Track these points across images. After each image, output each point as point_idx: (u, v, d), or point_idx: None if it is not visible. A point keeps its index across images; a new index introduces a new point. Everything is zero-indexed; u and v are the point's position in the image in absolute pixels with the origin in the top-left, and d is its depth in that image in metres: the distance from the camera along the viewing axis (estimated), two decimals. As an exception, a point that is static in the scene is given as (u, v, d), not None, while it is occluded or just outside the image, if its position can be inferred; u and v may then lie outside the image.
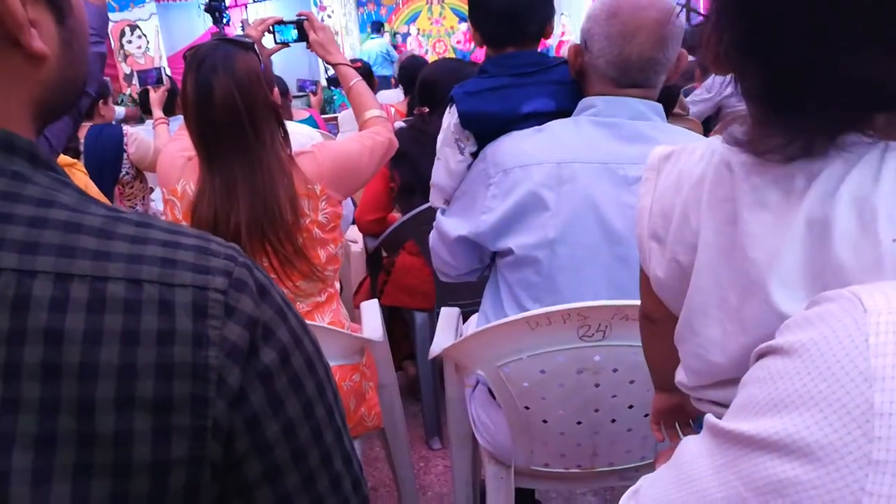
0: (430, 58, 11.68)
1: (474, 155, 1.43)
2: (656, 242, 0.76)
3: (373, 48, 10.11)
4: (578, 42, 1.33)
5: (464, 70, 2.52)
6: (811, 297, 0.56)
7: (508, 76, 1.40)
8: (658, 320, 0.87)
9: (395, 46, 10.63)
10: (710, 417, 0.54)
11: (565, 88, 1.38)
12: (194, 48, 1.44)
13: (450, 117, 1.42)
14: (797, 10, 0.55)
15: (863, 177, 0.57)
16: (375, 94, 3.60)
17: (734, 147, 0.63)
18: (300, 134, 2.19)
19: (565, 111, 1.36)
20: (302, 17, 1.78)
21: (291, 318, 0.53)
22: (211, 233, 1.46)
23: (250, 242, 1.40)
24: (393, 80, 7.15)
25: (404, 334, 2.64)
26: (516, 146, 1.33)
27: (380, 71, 9.50)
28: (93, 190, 1.98)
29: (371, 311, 1.69)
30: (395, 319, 2.56)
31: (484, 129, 1.39)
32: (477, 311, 1.65)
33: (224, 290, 0.49)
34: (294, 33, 1.80)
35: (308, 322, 1.41)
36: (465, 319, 1.79)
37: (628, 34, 1.23)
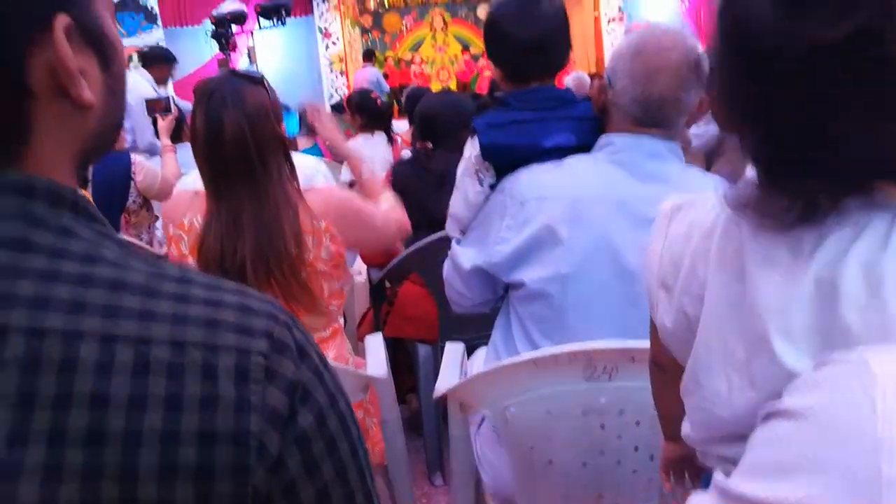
0: (434, 85, 11.81)
1: (493, 187, 1.44)
2: (665, 291, 0.77)
3: (363, 76, 10.26)
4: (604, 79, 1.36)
5: (462, 103, 2.55)
6: (818, 355, 0.56)
7: (531, 110, 1.42)
8: (668, 368, 0.87)
9: (399, 73, 10.78)
10: (717, 476, 0.54)
11: (588, 124, 1.40)
12: (204, 81, 1.46)
13: (471, 148, 1.44)
14: (794, 83, 0.56)
15: (871, 243, 0.58)
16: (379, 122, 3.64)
17: (737, 211, 0.64)
18: (305, 166, 2.19)
19: (586, 146, 1.38)
20: (303, 108, 1.80)
21: (327, 376, 0.53)
22: (217, 265, 1.44)
23: (255, 276, 1.39)
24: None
25: (408, 367, 2.63)
26: (534, 179, 1.35)
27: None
28: None
29: (375, 347, 1.69)
30: (398, 351, 2.56)
31: (505, 162, 1.41)
32: (482, 344, 1.66)
33: (266, 353, 0.48)
34: (296, 124, 1.78)
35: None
36: (469, 353, 1.79)
37: (652, 73, 1.25)
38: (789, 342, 0.60)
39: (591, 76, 5.37)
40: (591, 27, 11.71)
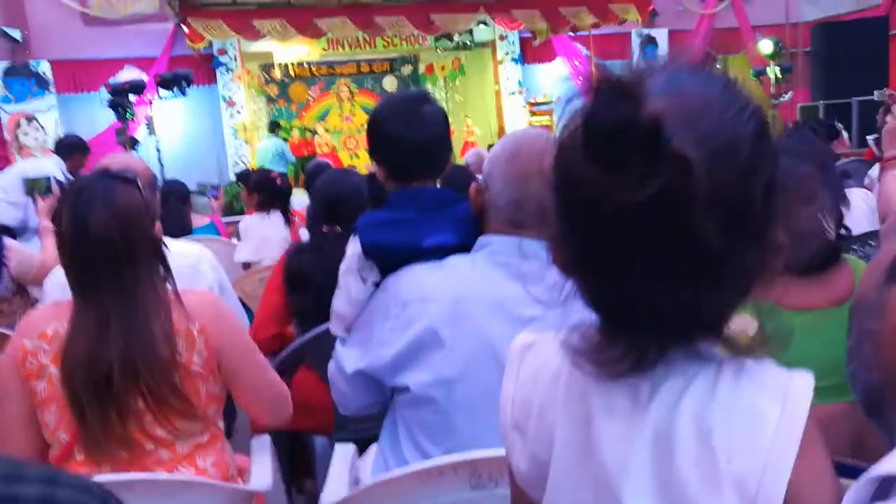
0: (341, 154, 11.87)
1: (377, 284, 1.43)
2: (518, 434, 0.76)
3: (267, 147, 10.28)
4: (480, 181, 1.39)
5: (360, 185, 2.52)
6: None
7: (412, 209, 1.43)
8: None
9: (300, 141, 10.82)
10: None
11: (467, 224, 1.42)
12: (74, 180, 1.41)
13: (353, 247, 1.43)
14: (611, 237, 0.58)
15: (700, 392, 0.61)
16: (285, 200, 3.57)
17: (576, 364, 0.66)
18: (188, 255, 2.11)
19: (467, 245, 1.39)
20: None
21: None
22: (83, 371, 1.37)
23: (124, 381, 1.33)
24: (292, 179, 7.27)
25: (307, 452, 2.53)
26: (416, 280, 1.34)
27: (273, 167, 9.69)
28: None
29: (260, 451, 1.61)
30: (295, 440, 2.47)
31: (387, 261, 1.40)
32: (377, 435, 1.61)
33: None
34: None
35: (185, 477, 1.33)
36: (366, 445, 1.74)
37: (527, 177, 1.29)
38: (633, 492, 0.61)
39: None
40: (493, 100, 12.17)
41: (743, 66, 12.58)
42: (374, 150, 1.53)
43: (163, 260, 1.42)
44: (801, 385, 0.62)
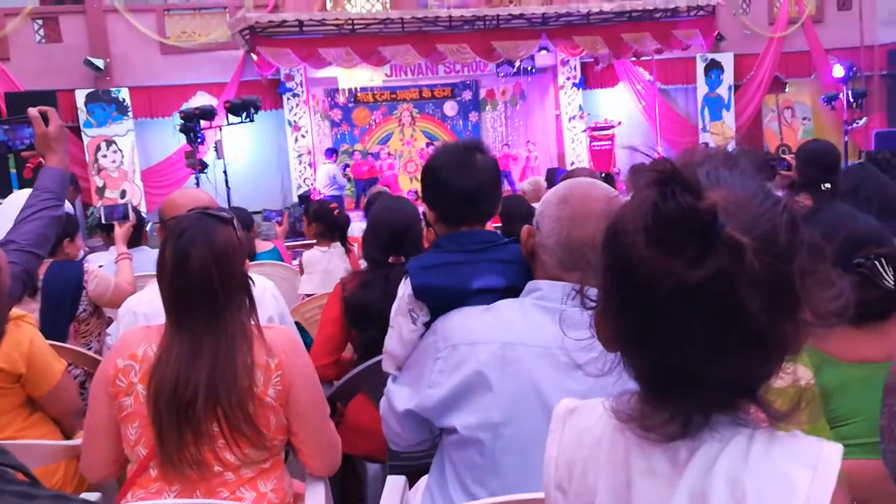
0: (401, 177, 12.06)
1: (427, 325, 1.47)
2: (561, 494, 0.80)
3: (322, 173, 10.54)
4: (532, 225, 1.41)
5: (416, 215, 2.54)
6: None
7: (461, 252, 1.47)
8: None
9: (358, 163, 11.08)
10: None
11: (515, 266, 1.45)
12: (176, 219, 1.51)
13: (404, 288, 1.47)
14: (665, 315, 0.64)
15: (735, 456, 0.64)
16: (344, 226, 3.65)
17: (623, 423, 0.69)
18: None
19: (515, 288, 1.42)
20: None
21: None
22: (170, 393, 1.46)
23: (205, 406, 1.42)
24: (351, 202, 7.43)
25: (360, 479, 2.57)
26: (465, 323, 1.37)
27: (327, 192, 9.96)
28: (37, 344, 1.94)
29: (316, 479, 1.66)
30: (349, 466, 2.51)
31: (437, 302, 1.44)
32: (429, 465, 1.64)
33: None
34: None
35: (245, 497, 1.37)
36: (416, 478, 1.77)
37: (577, 218, 1.31)
38: None
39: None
40: (553, 125, 12.18)
41: (814, 90, 12.24)
42: (426, 196, 1.58)
43: (250, 295, 1.52)
44: (830, 454, 0.65)
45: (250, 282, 1.54)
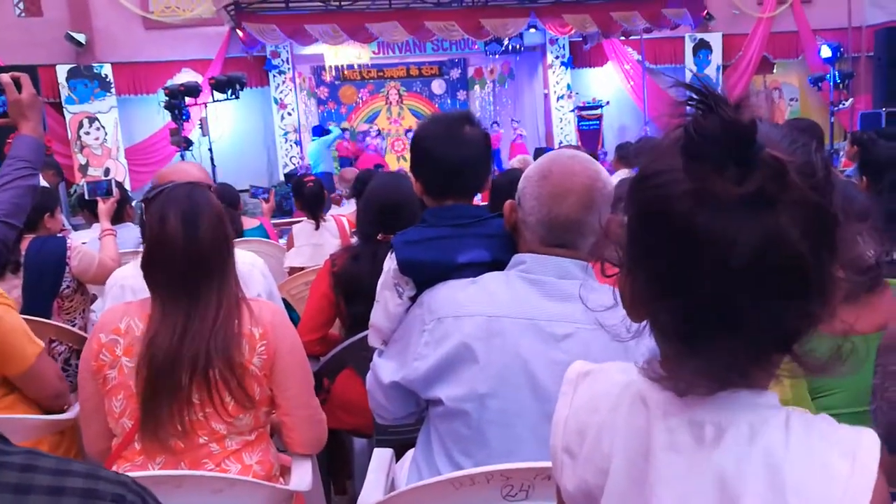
0: (388, 156, 12.00)
1: (413, 299, 1.47)
2: (569, 457, 0.78)
3: (313, 148, 10.52)
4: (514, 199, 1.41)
5: (412, 192, 2.53)
6: None
7: (447, 227, 1.47)
8: None
9: (343, 140, 11.02)
10: None
11: (500, 240, 1.45)
12: (160, 192, 1.51)
13: (390, 262, 1.47)
14: (706, 248, 0.62)
15: (773, 442, 0.63)
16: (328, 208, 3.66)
17: (655, 383, 0.68)
18: (241, 263, 2.19)
19: (500, 262, 1.42)
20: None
21: None
22: (163, 364, 1.47)
23: (196, 376, 1.43)
24: (335, 178, 7.38)
25: (347, 454, 2.58)
26: (451, 296, 1.37)
27: (319, 168, 9.92)
28: (7, 321, 1.80)
29: (301, 463, 1.66)
30: (336, 441, 2.52)
31: (422, 276, 1.44)
32: (415, 439, 1.65)
33: None
34: None
35: (230, 475, 1.39)
36: (402, 452, 1.78)
37: (558, 196, 1.30)
38: None
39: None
40: (542, 104, 12.14)
41: (801, 71, 12.26)
42: (414, 167, 1.57)
43: (233, 266, 1.53)
44: (869, 442, 0.64)
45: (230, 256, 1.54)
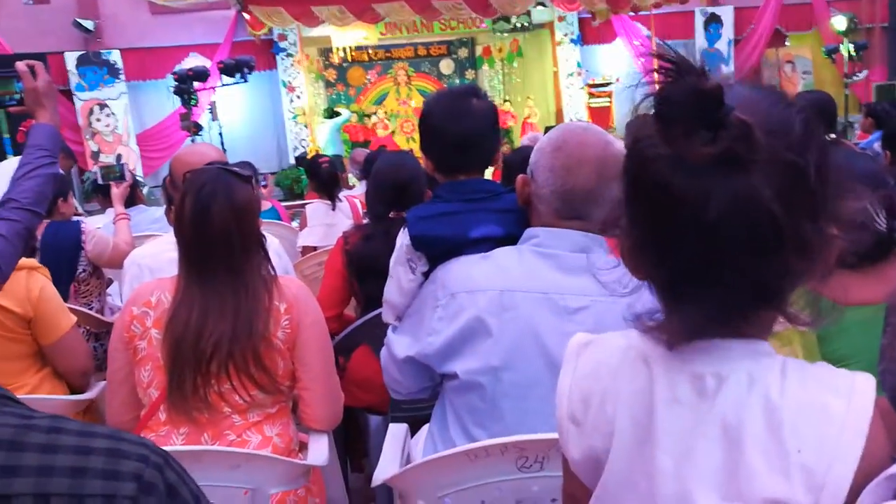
0: (397, 138, 11.96)
1: (426, 274, 1.47)
2: (574, 425, 0.80)
3: (324, 131, 10.48)
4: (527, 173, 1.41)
5: (419, 169, 2.54)
6: (725, 494, 0.64)
7: (459, 202, 1.47)
8: (582, 500, 0.89)
9: (351, 122, 11.01)
10: None
11: (513, 215, 1.45)
12: (195, 173, 1.54)
13: (403, 238, 1.48)
14: (675, 223, 0.65)
15: (770, 387, 0.65)
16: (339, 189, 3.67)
17: (647, 334, 0.71)
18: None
19: (513, 236, 1.42)
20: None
21: None
22: (191, 338, 1.53)
23: (221, 351, 1.47)
24: (345, 162, 7.38)
25: (362, 432, 2.61)
26: (464, 271, 1.38)
27: (333, 149, 9.93)
28: (48, 291, 1.99)
29: (318, 438, 1.68)
30: (351, 419, 2.55)
31: (435, 252, 1.45)
32: (430, 415, 1.67)
33: (133, 496, 0.51)
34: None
35: (247, 450, 1.42)
36: (419, 426, 1.80)
37: (572, 167, 1.31)
38: (697, 481, 0.65)
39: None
40: (551, 82, 12.04)
41: (815, 43, 12.07)
42: (422, 144, 1.57)
43: (264, 249, 1.57)
44: (864, 383, 0.66)
45: (263, 237, 1.58)
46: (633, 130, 0.70)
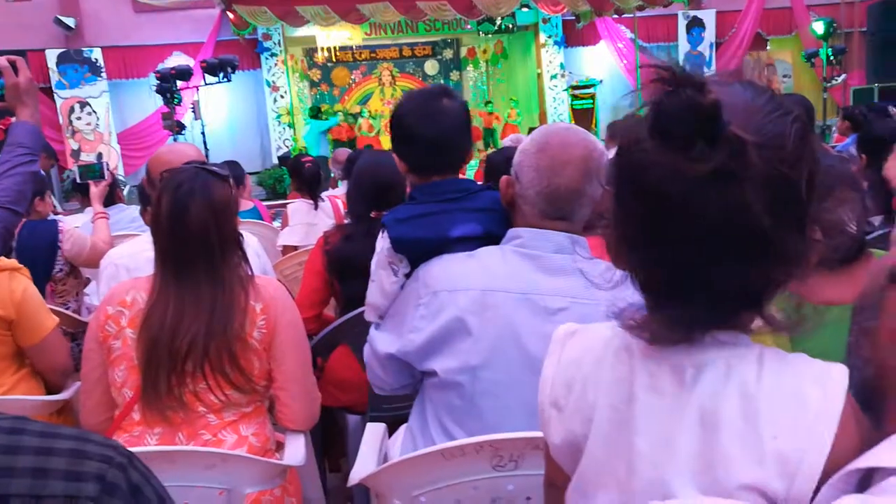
0: (382, 138, 11.95)
1: (407, 275, 1.47)
2: (556, 410, 0.82)
3: (308, 131, 10.50)
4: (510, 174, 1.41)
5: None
6: (701, 481, 0.65)
7: (436, 202, 1.47)
8: (562, 487, 0.90)
9: (339, 126, 10.96)
10: None
11: (492, 214, 1.46)
12: (172, 172, 1.53)
13: (383, 242, 1.48)
14: (673, 215, 0.66)
15: (747, 375, 0.67)
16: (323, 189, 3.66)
17: (630, 331, 0.72)
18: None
19: (493, 235, 1.43)
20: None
21: None
22: (166, 337, 1.52)
23: (196, 351, 1.46)
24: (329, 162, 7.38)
25: (341, 432, 2.61)
26: (446, 270, 1.38)
27: (317, 149, 9.90)
28: (30, 293, 1.96)
29: (295, 437, 1.68)
30: (330, 419, 2.54)
31: (416, 253, 1.45)
32: (407, 416, 1.67)
33: (96, 496, 0.51)
34: None
35: (222, 450, 1.41)
36: (395, 428, 1.80)
37: (556, 167, 1.31)
38: (674, 468, 0.66)
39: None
40: (535, 84, 12.08)
41: (795, 47, 12.20)
42: (396, 146, 1.57)
43: (240, 245, 1.56)
44: (838, 372, 0.68)
45: (241, 236, 1.58)
46: (625, 133, 0.70)
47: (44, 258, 2.69)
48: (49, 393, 2.03)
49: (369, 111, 12.09)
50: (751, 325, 0.71)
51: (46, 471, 0.50)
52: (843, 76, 11.07)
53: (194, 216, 1.46)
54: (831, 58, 10.37)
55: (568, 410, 0.80)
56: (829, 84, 10.56)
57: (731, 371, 0.67)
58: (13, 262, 1.96)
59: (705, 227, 0.64)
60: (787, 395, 0.66)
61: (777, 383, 0.67)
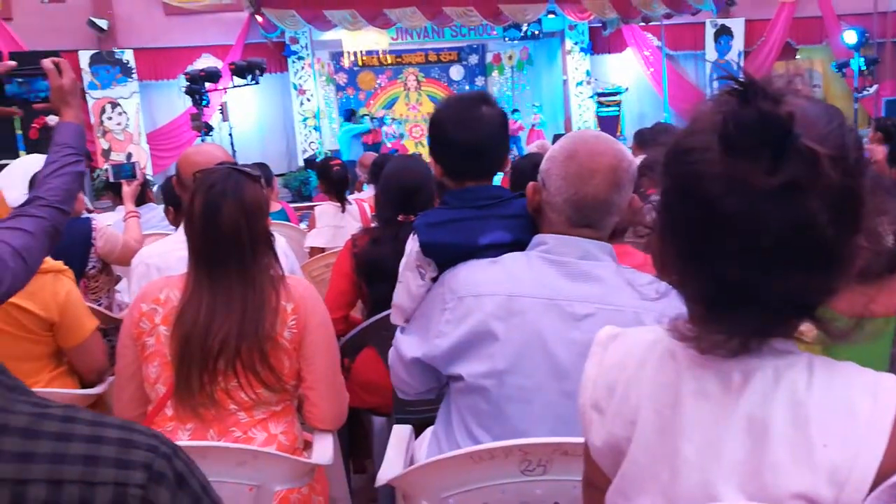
0: (406, 142, 12.00)
1: (434, 279, 1.49)
2: (597, 413, 0.82)
3: (341, 135, 10.54)
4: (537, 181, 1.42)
5: (429, 173, 2.55)
6: (748, 487, 0.65)
7: (468, 208, 1.48)
8: (602, 488, 0.89)
9: (370, 131, 10.95)
10: None
11: (521, 221, 1.46)
12: (205, 173, 1.56)
13: (412, 244, 1.49)
14: (734, 227, 0.65)
15: (797, 383, 0.67)
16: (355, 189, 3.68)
17: (681, 342, 0.72)
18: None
19: (521, 242, 1.43)
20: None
21: (206, 502, 0.57)
22: (199, 335, 1.54)
23: (229, 349, 1.48)
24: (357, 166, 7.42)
25: (366, 433, 2.62)
26: (472, 275, 1.39)
27: (345, 157, 9.94)
28: (73, 296, 2.00)
29: (323, 437, 1.69)
30: (355, 421, 2.56)
31: (445, 258, 1.46)
32: (434, 418, 1.68)
33: (143, 484, 0.52)
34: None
35: (253, 447, 1.43)
36: (422, 428, 1.81)
37: (585, 175, 1.31)
38: (720, 473, 0.66)
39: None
40: (560, 90, 12.06)
41: (825, 57, 12.06)
42: (432, 150, 1.58)
43: (272, 246, 1.58)
44: (889, 383, 0.68)
45: (272, 237, 1.60)
46: (681, 140, 0.70)
47: (78, 255, 2.73)
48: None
49: (392, 116, 12.15)
50: (797, 328, 0.71)
51: (97, 458, 0.52)
52: (875, 87, 10.90)
53: (226, 216, 1.48)
54: (863, 68, 10.23)
55: (609, 413, 0.80)
56: (860, 94, 10.41)
57: (781, 378, 0.67)
58: (58, 263, 2.00)
59: (769, 239, 0.63)
60: (838, 403, 0.66)
61: (827, 391, 0.66)
